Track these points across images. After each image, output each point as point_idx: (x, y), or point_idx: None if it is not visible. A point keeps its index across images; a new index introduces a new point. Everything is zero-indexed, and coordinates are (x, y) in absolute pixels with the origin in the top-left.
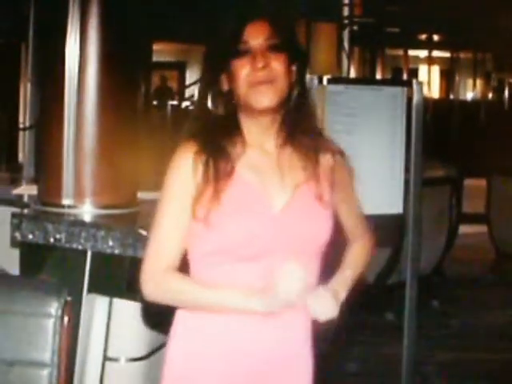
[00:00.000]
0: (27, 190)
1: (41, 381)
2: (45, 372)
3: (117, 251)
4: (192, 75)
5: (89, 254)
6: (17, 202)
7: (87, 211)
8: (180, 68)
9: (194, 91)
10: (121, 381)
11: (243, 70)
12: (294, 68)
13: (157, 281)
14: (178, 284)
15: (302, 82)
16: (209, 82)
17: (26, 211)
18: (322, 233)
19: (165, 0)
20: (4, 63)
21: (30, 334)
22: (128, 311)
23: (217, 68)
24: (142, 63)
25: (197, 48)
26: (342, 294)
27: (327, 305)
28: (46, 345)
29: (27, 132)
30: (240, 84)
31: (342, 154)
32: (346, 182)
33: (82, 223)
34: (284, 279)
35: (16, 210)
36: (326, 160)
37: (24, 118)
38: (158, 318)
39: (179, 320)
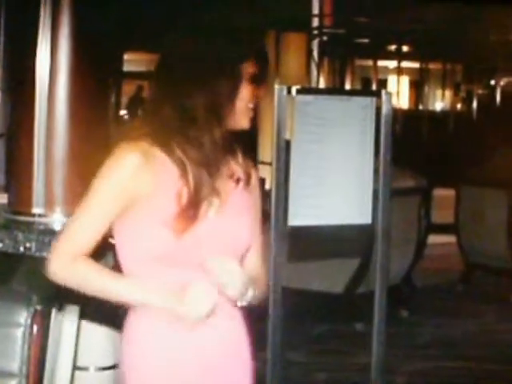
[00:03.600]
0: None
1: None
2: (13, 382)
3: None
4: None
5: None
6: None
7: (58, 220)
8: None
9: None
10: None
11: (248, 96)
12: None
13: (65, 262)
14: (87, 269)
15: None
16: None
17: None
18: (246, 235)
19: (140, 10)
20: None
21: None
22: (97, 320)
23: (210, 109)
24: (113, 73)
25: None
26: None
27: (237, 279)
28: (14, 354)
29: None
30: (239, 105)
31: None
32: (257, 193)
33: (52, 232)
34: (195, 296)
35: None
36: (247, 171)
37: None
38: None
39: (130, 325)
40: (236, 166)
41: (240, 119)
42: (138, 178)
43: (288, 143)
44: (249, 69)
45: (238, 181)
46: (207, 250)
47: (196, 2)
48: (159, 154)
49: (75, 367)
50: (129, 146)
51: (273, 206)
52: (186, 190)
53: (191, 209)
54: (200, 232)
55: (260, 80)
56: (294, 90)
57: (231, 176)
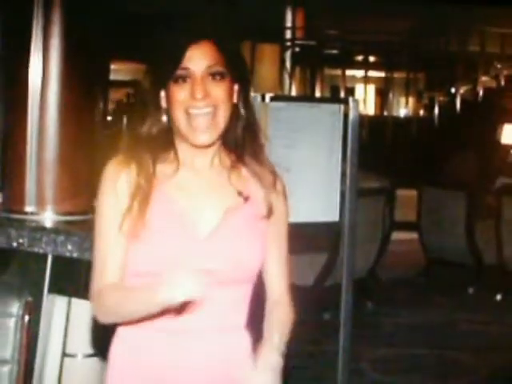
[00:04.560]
0: None
1: (2, 376)
2: (5, 368)
3: (75, 255)
4: None
5: (49, 257)
6: None
7: (48, 218)
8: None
9: None
10: (78, 376)
11: (180, 95)
12: (236, 87)
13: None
14: (108, 296)
15: (245, 103)
16: (147, 98)
17: None
18: (251, 262)
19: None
20: None
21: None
22: (85, 310)
23: (156, 85)
24: (100, 81)
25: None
26: (278, 360)
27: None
28: (7, 342)
29: None
30: (176, 108)
31: (283, 187)
32: (282, 220)
33: (43, 229)
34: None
35: None
36: (266, 187)
37: None
38: None
39: (117, 336)
40: (251, 183)
41: (183, 131)
42: (117, 194)
43: None
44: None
45: (246, 198)
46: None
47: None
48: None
49: (64, 354)
50: (115, 160)
51: None
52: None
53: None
54: (184, 252)
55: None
56: (267, 97)
57: (239, 193)
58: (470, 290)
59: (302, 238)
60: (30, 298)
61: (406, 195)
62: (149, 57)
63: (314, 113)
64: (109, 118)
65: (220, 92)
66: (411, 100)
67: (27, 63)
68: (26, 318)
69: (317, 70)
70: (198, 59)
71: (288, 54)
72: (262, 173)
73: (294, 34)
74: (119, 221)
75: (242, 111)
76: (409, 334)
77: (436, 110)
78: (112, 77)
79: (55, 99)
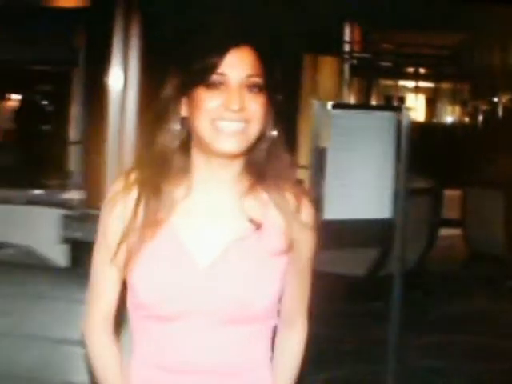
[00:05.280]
0: (75, 195)
1: (80, 357)
2: (77, 349)
3: None
4: None
5: None
6: (66, 204)
7: None
8: None
9: None
10: None
11: (210, 104)
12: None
13: (97, 327)
14: (101, 358)
15: (274, 123)
16: (168, 105)
17: (74, 213)
18: (260, 297)
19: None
20: (57, 88)
21: (74, 317)
22: None
23: (181, 90)
24: None
25: None
26: None
27: None
28: (79, 327)
29: (75, 146)
30: (202, 116)
31: (311, 216)
32: (304, 255)
33: None
34: None
35: (66, 211)
36: (287, 217)
37: (72, 133)
38: None
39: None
40: (271, 211)
41: (210, 138)
42: (116, 217)
43: (323, 150)
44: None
45: (258, 227)
46: (192, 305)
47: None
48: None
49: None
50: (119, 179)
51: None
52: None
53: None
54: (184, 284)
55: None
56: (329, 105)
57: (251, 221)
58: (510, 283)
59: (358, 232)
60: None
61: (452, 195)
62: (178, 58)
63: (370, 119)
64: None
65: (256, 107)
66: (457, 108)
67: (109, 72)
68: None
69: (372, 80)
70: (238, 66)
71: (346, 66)
72: (285, 200)
73: (351, 47)
74: (111, 253)
75: (269, 132)
76: (454, 321)
77: (479, 118)
78: None
79: (134, 106)
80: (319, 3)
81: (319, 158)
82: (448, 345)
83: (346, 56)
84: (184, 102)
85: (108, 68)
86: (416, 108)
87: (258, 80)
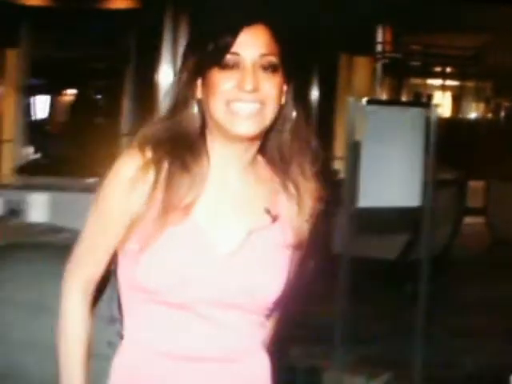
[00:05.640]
0: None
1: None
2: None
3: None
4: None
5: None
6: None
7: None
8: None
9: None
10: None
11: (225, 85)
12: (285, 87)
13: (75, 289)
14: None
15: (295, 104)
16: (184, 87)
17: None
18: (274, 289)
19: None
20: (110, 83)
21: None
22: None
23: (196, 71)
24: None
25: None
26: None
27: None
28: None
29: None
30: (216, 99)
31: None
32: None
33: None
34: None
35: None
36: (303, 212)
37: (124, 126)
38: None
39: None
40: (286, 201)
41: (225, 120)
42: (132, 195)
43: (357, 143)
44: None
45: (275, 218)
46: (207, 293)
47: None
48: (159, 166)
49: None
50: (128, 154)
51: (345, 192)
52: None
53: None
54: (198, 272)
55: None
56: (364, 100)
57: (268, 211)
58: None
59: (389, 219)
60: None
61: (475, 186)
62: (191, 40)
63: (401, 114)
64: None
65: (271, 87)
66: (481, 105)
67: (158, 69)
68: None
69: (402, 79)
70: (252, 45)
71: (379, 66)
72: (305, 192)
73: (383, 48)
74: (123, 224)
75: (290, 113)
76: (478, 303)
77: (502, 114)
78: None
79: None
80: (356, 6)
81: (354, 150)
82: (473, 326)
83: (379, 56)
84: (199, 84)
85: (158, 65)
86: (443, 105)
87: (272, 59)
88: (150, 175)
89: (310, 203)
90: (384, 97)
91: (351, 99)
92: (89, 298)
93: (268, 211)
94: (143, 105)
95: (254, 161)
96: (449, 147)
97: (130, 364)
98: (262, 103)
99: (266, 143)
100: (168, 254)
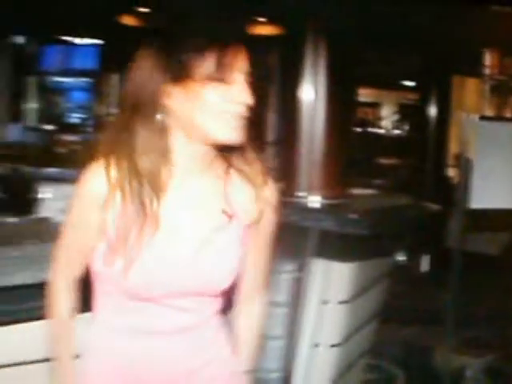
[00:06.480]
0: None
1: (278, 317)
2: (280, 310)
3: (333, 229)
4: (384, 112)
5: (314, 230)
6: None
7: (314, 200)
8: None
9: (385, 123)
10: (331, 320)
11: (217, 96)
12: None
13: (61, 277)
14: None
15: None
16: (151, 92)
17: None
18: (230, 277)
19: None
20: (257, 98)
21: (272, 283)
22: (338, 270)
23: (169, 79)
24: (351, 100)
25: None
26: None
27: None
28: (283, 291)
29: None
30: (205, 109)
31: (272, 192)
32: (267, 229)
33: (310, 209)
34: None
35: None
36: (254, 190)
37: (269, 135)
38: None
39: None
40: (239, 193)
41: (215, 130)
42: (97, 209)
43: (469, 156)
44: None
45: (231, 216)
46: (167, 291)
47: None
48: (114, 173)
49: (321, 301)
50: (94, 164)
51: (459, 195)
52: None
53: (119, 241)
54: (165, 271)
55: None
56: (476, 117)
57: (225, 212)
58: None
59: (497, 219)
60: (300, 259)
61: None
62: (166, 46)
63: (509, 127)
64: None
65: (254, 99)
66: None
67: (300, 87)
68: (297, 274)
69: (508, 97)
70: (241, 60)
71: (487, 86)
72: (251, 175)
73: (491, 70)
74: (90, 230)
75: None
76: None
77: None
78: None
79: (322, 112)
80: (466, 34)
81: (467, 162)
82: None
83: (486, 77)
84: (170, 90)
85: (299, 84)
86: None
87: (251, 74)
88: (121, 183)
89: (259, 185)
90: (491, 113)
91: (464, 115)
92: (72, 292)
93: (225, 212)
94: (287, 117)
95: (214, 158)
96: None
97: (97, 345)
98: (246, 113)
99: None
100: (141, 259)
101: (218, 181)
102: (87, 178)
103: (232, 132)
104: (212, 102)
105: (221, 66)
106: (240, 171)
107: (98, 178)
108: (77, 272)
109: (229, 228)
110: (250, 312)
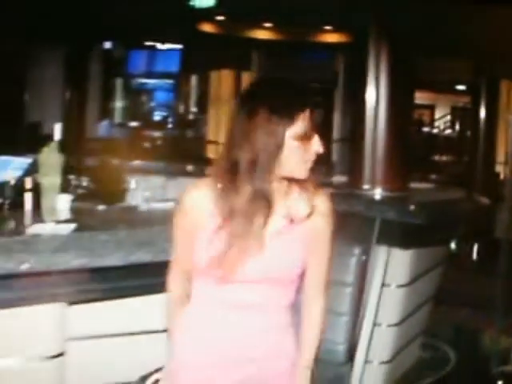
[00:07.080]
0: (340, 179)
1: (345, 294)
2: (348, 289)
3: (397, 218)
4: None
5: (377, 220)
6: (332, 185)
7: (377, 193)
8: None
9: (439, 123)
10: (391, 301)
11: (306, 150)
12: None
13: (176, 276)
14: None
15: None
16: (276, 139)
17: (341, 191)
18: (294, 269)
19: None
20: (324, 101)
21: (341, 265)
22: (396, 256)
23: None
24: (409, 103)
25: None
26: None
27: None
28: (351, 272)
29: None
30: (299, 157)
31: (326, 206)
32: (324, 233)
33: (374, 200)
34: None
35: (334, 190)
36: (308, 204)
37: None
38: None
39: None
40: (296, 203)
41: (295, 170)
42: (192, 215)
43: None
44: (298, 125)
45: (292, 220)
46: (247, 277)
47: None
48: (210, 197)
49: (383, 284)
50: (194, 185)
51: (507, 190)
52: (217, 237)
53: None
54: (236, 267)
55: (309, 136)
56: None
57: (285, 216)
58: None
59: None
60: (365, 245)
61: None
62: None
63: None
64: None
65: None
66: None
67: (364, 89)
68: (363, 257)
69: None
70: (317, 120)
71: None
72: (306, 187)
73: None
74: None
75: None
76: None
77: None
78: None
79: (384, 113)
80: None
81: None
82: None
83: None
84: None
85: (363, 87)
86: None
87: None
88: (203, 202)
89: (310, 194)
90: None
91: (511, 117)
92: (186, 283)
93: (286, 217)
94: (352, 117)
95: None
96: None
97: (196, 312)
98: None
99: None
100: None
101: (283, 195)
102: (200, 194)
103: (305, 172)
104: (304, 153)
105: (309, 128)
106: (298, 185)
107: (208, 197)
108: (187, 265)
109: (292, 230)
110: (310, 312)
